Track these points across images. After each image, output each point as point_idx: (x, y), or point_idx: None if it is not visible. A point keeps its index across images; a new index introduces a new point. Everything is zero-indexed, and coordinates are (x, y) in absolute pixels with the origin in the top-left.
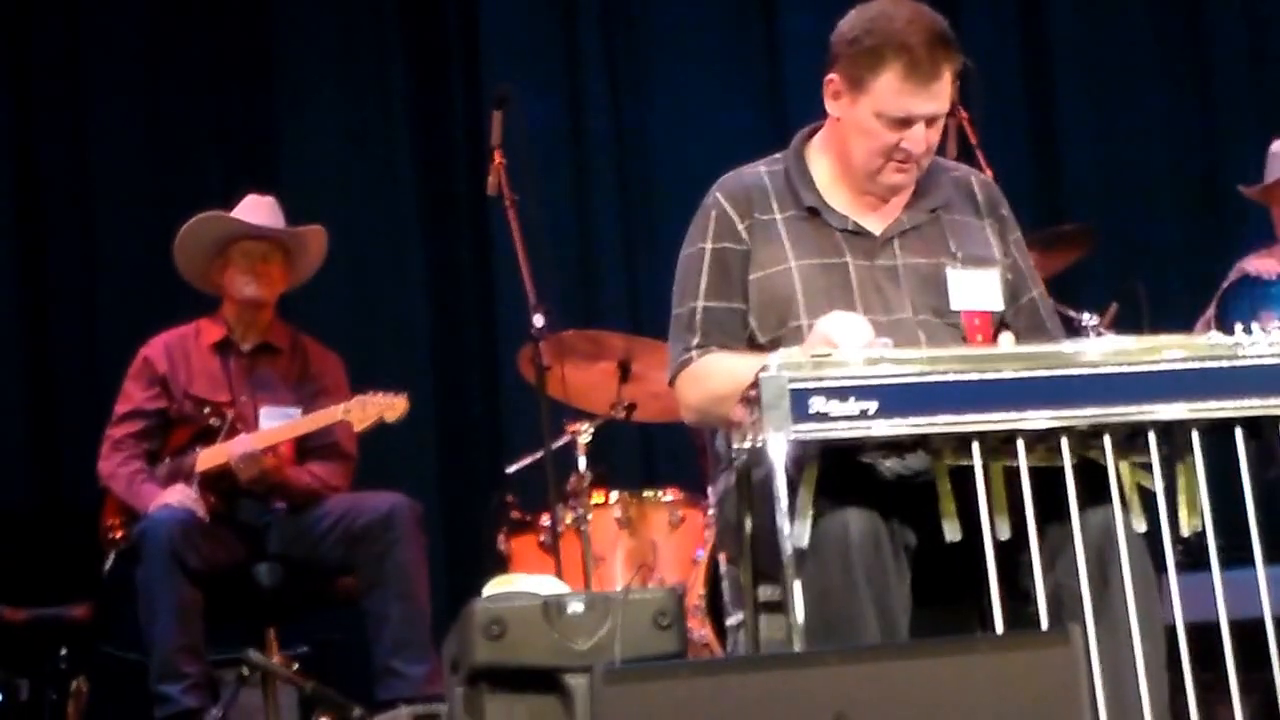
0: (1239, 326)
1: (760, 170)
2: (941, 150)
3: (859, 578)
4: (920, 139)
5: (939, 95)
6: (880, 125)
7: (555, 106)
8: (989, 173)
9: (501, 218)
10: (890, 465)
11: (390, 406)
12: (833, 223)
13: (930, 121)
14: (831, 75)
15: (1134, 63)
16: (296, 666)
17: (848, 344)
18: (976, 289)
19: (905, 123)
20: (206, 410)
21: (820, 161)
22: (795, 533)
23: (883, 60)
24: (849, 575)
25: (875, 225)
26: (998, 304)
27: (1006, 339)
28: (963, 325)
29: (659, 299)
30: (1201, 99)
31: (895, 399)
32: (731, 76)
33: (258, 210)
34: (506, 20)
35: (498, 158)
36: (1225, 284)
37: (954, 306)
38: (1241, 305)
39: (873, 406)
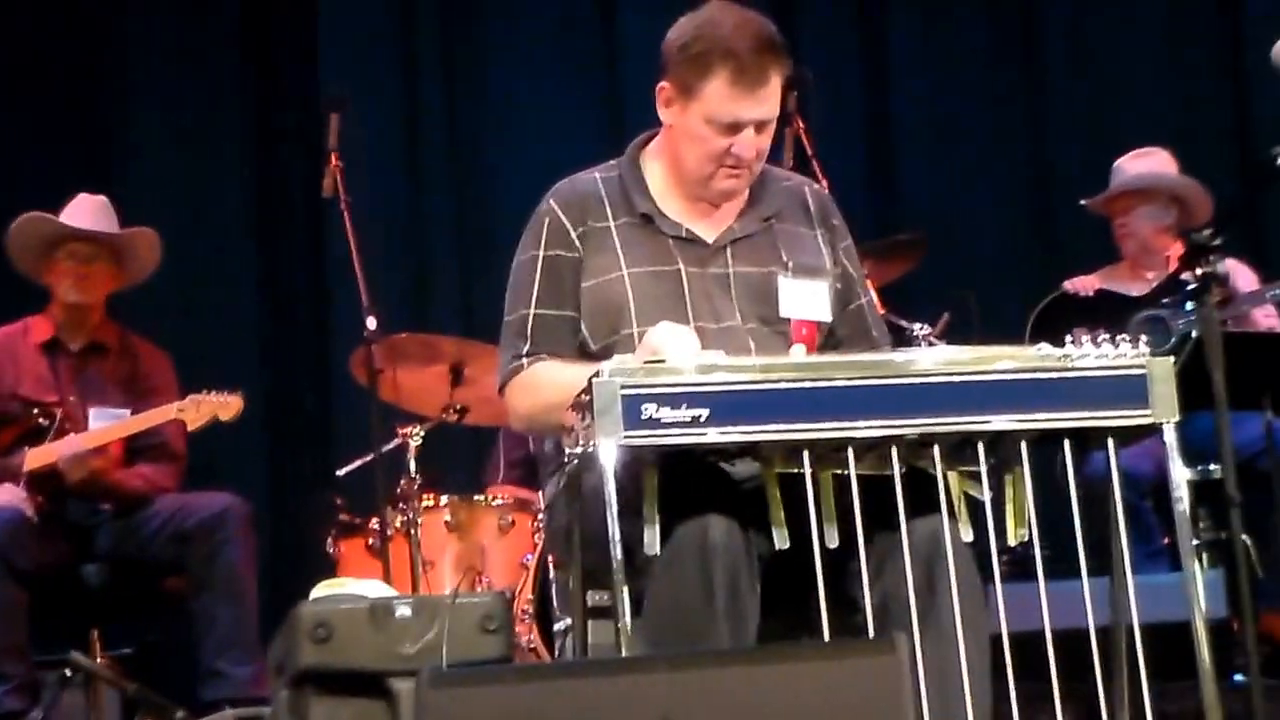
0: (1068, 339)
1: (595, 177)
2: (778, 159)
3: (718, 586)
4: (750, 144)
5: (767, 100)
6: (710, 131)
7: (391, 110)
8: (824, 182)
9: (337, 220)
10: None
11: (224, 405)
12: (666, 230)
13: (760, 127)
14: (663, 83)
15: (969, 74)
16: (119, 668)
17: (675, 356)
18: (805, 299)
19: (734, 128)
20: (34, 410)
21: (654, 168)
22: (647, 540)
23: (710, 67)
24: (708, 584)
25: (708, 233)
26: (826, 315)
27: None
28: (790, 334)
29: (492, 304)
30: (1034, 111)
31: (727, 406)
32: (568, 82)
33: (86, 211)
34: (344, 24)
35: (334, 160)
36: (1043, 302)
37: (783, 314)
38: (1054, 322)
39: (704, 413)
